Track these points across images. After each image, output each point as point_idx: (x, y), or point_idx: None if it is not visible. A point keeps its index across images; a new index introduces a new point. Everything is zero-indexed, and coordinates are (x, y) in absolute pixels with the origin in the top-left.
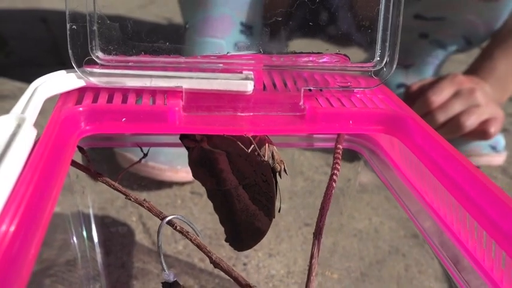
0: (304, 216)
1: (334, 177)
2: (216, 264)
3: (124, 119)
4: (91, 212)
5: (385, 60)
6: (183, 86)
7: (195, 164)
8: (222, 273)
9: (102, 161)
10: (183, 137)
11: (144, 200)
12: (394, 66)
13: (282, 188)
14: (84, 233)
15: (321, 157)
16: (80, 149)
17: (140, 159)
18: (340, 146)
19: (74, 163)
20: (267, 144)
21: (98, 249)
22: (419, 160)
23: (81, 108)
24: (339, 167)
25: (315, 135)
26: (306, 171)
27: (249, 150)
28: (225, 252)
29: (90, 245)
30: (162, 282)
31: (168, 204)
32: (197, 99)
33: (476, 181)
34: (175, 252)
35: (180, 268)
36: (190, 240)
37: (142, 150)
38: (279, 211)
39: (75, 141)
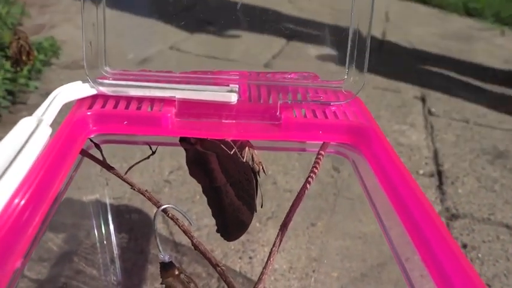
0: (312, 217)
1: (310, 179)
2: (195, 246)
3: (126, 122)
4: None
5: (354, 77)
6: (176, 95)
7: (190, 163)
8: (228, 264)
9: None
10: (181, 140)
11: (146, 190)
12: (363, 83)
13: (295, 189)
14: (110, 220)
15: (332, 161)
16: (96, 145)
17: (149, 156)
18: (323, 153)
19: (92, 157)
20: (247, 148)
21: (120, 235)
22: (373, 171)
23: (89, 113)
24: (316, 171)
25: (308, 142)
26: (319, 174)
27: (232, 152)
28: (233, 246)
29: (112, 232)
30: (159, 262)
31: (187, 198)
32: (188, 107)
33: (418, 201)
34: (188, 242)
35: (192, 257)
36: (178, 225)
37: (151, 148)
38: (261, 206)
39: (84, 138)
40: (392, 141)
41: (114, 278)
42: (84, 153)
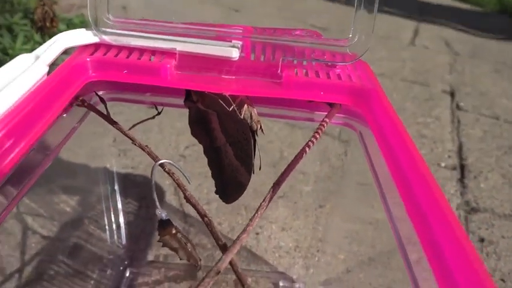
0: (321, 199)
1: (310, 143)
2: (187, 199)
3: (125, 71)
4: (121, 171)
5: (359, 37)
6: (177, 48)
7: (192, 122)
8: (234, 238)
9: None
10: (185, 100)
11: (146, 145)
12: (370, 43)
13: (310, 171)
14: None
15: (344, 145)
16: (101, 99)
17: (154, 116)
18: (327, 120)
19: (98, 112)
20: (246, 105)
21: (131, 203)
22: (374, 135)
23: (88, 58)
24: (317, 136)
25: (316, 112)
26: (332, 158)
27: (230, 109)
28: (241, 220)
29: (121, 199)
30: (158, 220)
31: (200, 173)
32: (189, 60)
33: (418, 171)
34: (196, 215)
35: (199, 228)
36: (173, 179)
37: (156, 109)
38: (259, 169)
39: (82, 82)
40: (414, 133)
41: (122, 241)
42: (90, 107)
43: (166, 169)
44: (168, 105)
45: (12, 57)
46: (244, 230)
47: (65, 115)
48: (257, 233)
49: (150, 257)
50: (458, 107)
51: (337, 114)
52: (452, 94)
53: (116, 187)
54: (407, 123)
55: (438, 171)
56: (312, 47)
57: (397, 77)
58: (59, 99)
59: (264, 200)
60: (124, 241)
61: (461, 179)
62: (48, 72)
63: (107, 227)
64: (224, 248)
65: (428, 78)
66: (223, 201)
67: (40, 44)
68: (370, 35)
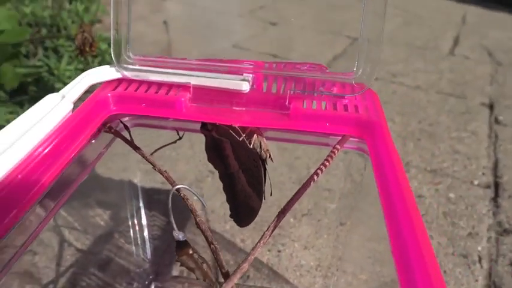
0: (342, 216)
1: (318, 171)
2: (197, 224)
3: (144, 104)
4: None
5: (365, 68)
6: (191, 82)
7: (208, 149)
8: (256, 255)
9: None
10: (201, 127)
11: (165, 171)
12: (374, 75)
13: (335, 188)
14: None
15: (364, 160)
16: (125, 126)
17: (176, 141)
18: (339, 147)
19: (123, 138)
20: (255, 135)
21: (159, 217)
22: (373, 167)
23: (109, 94)
24: (327, 164)
25: (331, 137)
26: (354, 173)
27: (240, 139)
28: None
29: (150, 214)
30: (176, 241)
31: None
32: (202, 93)
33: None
34: (222, 231)
35: (223, 245)
36: (187, 204)
37: (178, 133)
38: (270, 194)
39: (104, 115)
40: (447, 148)
41: (147, 256)
42: (116, 133)
43: (182, 194)
44: (188, 130)
45: (58, 77)
46: (245, 260)
47: (93, 141)
48: (279, 251)
49: (175, 272)
50: (496, 121)
51: (350, 138)
52: (491, 107)
53: (141, 203)
54: (440, 137)
55: (470, 189)
56: (321, 79)
57: (432, 89)
58: (83, 132)
59: (267, 229)
60: (149, 255)
61: (495, 198)
62: (74, 109)
63: (134, 241)
64: (227, 276)
65: (466, 90)
66: (237, 224)
67: (82, 64)
68: (376, 66)
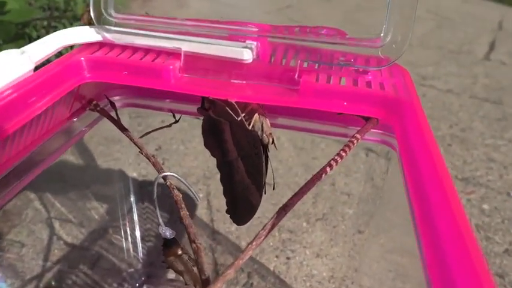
0: (360, 223)
1: (332, 162)
2: (180, 219)
3: (125, 72)
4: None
5: (394, 36)
6: (182, 48)
7: (205, 132)
8: (262, 261)
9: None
10: (199, 107)
11: (153, 155)
12: (406, 45)
13: (355, 192)
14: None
15: (387, 163)
16: (111, 103)
17: (170, 124)
18: (359, 136)
19: (108, 116)
20: (256, 115)
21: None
22: (402, 161)
23: (83, 57)
24: (343, 155)
25: (350, 127)
26: (375, 177)
27: (239, 119)
28: (272, 243)
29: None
30: (163, 238)
31: None
32: (196, 62)
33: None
34: (226, 232)
35: (226, 247)
36: (173, 195)
37: (174, 116)
38: (273, 189)
39: (74, 83)
40: (482, 156)
41: (139, 254)
42: (102, 112)
43: (168, 183)
44: (187, 113)
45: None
46: (231, 265)
47: (75, 119)
48: (288, 258)
49: (171, 274)
50: None
51: (372, 130)
52: None
53: (132, 198)
54: (473, 144)
55: (507, 201)
56: (340, 49)
57: (465, 93)
58: (42, 98)
59: (263, 228)
60: (141, 254)
61: None
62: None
63: (125, 238)
64: (206, 284)
65: (502, 96)
66: (234, 222)
67: None
68: (408, 33)
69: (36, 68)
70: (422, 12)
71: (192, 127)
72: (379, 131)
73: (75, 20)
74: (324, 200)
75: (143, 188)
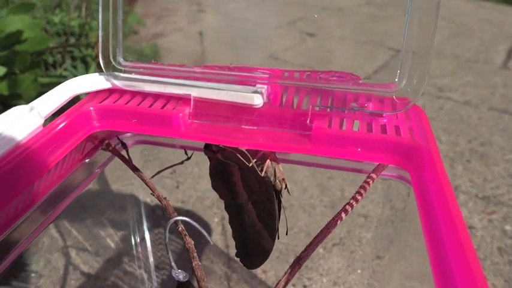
0: (379, 248)
1: (348, 207)
2: (193, 269)
3: (135, 120)
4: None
5: (409, 80)
6: (192, 94)
7: (213, 174)
8: None
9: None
10: (205, 148)
11: (165, 198)
12: (422, 88)
13: (372, 215)
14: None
15: (408, 186)
16: (123, 144)
17: (182, 161)
18: (375, 176)
19: (120, 156)
20: (268, 161)
21: (173, 242)
22: (418, 203)
23: (92, 107)
24: (359, 198)
25: (364, 162)
26: (394, 200)
27: (250, 165)
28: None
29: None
30: (177, 281)
31: None
32: (206, 108)
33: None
34: None
35: (241, 275)
36: (185, 242)
37: (186, 153)
38: (286, 234)
39: (85, 134)
40: (502, 172)
41: (155, 284)
42: (114, 151)
43: (180, 228)
44: (199, 149)
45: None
46: None
47: (87, 160)
48: (305, 286)
49: None
50: None
51: (390, 165)
52: None
53: (145, 227)
54: (493, 160)
55: None
56: (354, 92)
57: (484, 105)
58: (55, 152)
59: (277, 284)
60: (155, 284)
61: None
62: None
63: (141, 267)
64: None
65: None
66: (245, 266)
67: None
68: (425, 76)
69: (48, 119)
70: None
71: None
72: (395, 166)
73: (89, 46)
74: (341, 224)
75: (156, 215)
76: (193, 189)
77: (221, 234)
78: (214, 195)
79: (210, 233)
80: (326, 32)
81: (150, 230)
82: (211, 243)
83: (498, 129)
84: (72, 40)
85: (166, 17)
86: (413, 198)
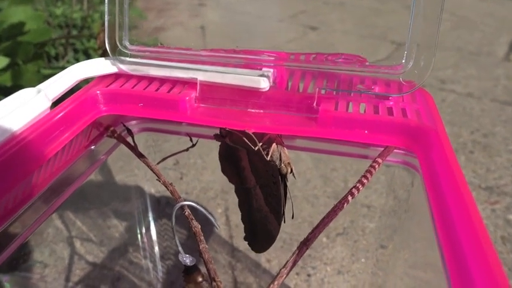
0: (383, 237)
1: (354, 190)
2: (200, 252)
3: (141, 104)
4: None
5: (416, 62)
6: (198, 77)
7: (222, 159)
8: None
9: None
10: (216, 133)
11: (171, 183)
12: (429, 71)
13: (376, 205)
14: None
15: (412, 175)
16: (128, 130)
17: (188, 148)
18: (380, 161)
19: (125, 143)
20: (274, 144)
21: (179, 232)
22: (426, 190)
23: (99, 91)
24: (365, 182)
25: (371, 148)
26: (398, 189)
27: (256, 149)
28: None
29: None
30: (184, 265)
31: None
32: (212, 91)
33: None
34: (245, 248)
35: (246, 264)
36: (191, 226)
37: (191, 140)
38: (292, 217)
39: (92, 117)
40: (505, 163)
41: (158, 274)
42: (120, 138)
43: (186, 212)
44: (204, 136)
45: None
46: None
47: (93, 147)
48: (309, 275)
49: None
50: None
51: (395, 150)
52: None
53: (151, 217)
54: (496, 151)
55: None
56: (360, 75)
57: (486, 97)
58: (61, 135)
59: (285, 265)
60: (160, 274)
61: None
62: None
63: (144, 257)
64: None
65: None
66: (253, 249)
67: None
68: (431, 59)
69: (54, 102)
70: None
71: (209, 142)
72: (401, 152)
73: (92, 37)
74: (344, 214)
75: (161, 205)
76: (197, 180)
77: (225, 224)
78: (218, 186)
79: (217, 228)
80: (328, 25)
81: (155, 220)
82: (218, 228)
83: (501, 121)
84: (74, 32)
85: (167, 10)
86: (417, 188)
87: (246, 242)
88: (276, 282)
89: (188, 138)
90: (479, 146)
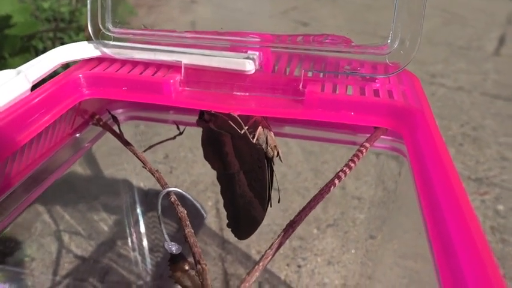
0: (372, 228)
1: (341, 173)
2: (185, 237)
3: (125, 88)
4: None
5: (402, 42)
6: (183, 61)
7: (205, 144)
8: (273, 269)
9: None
10: (198, 118)
11: (157, 170)
12: (415, 51)
13: (366, 196)
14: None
15: (399, 165)
16: (114, 118)
17: (175, 136)
18: (367, 145)
19: (111, 130)
20: (260, 127)
21: (169, 225)
22: (413, 172)
23: (81, 74)
24: (352, 165)
25: (359, 134)
26: (387, 180)
27: (242, 132)
28: (283, 251)
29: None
30: (170, 254)
31: None
32: (197, 75)
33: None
34: (236, 241)
35: (236, 256)
36: (177, 211)
37: (178, 128)
38: (278, 202)
39: (73, 101)
40: (494, 155)
41: (147, 267)
42: (105, 126)
43: (172, 199)
44: (191, 124)
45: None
46: (244, 279)
47: (78, 134)
48: (299, 266)
49: None
50: None
51: (382, 137)
52: None
53: (139, 209)
54: (486, 143)
55: None
56: (346, 57)
57: (476, 90)
58: (40, 119)
59: (270, 246)
60: (149, 266)
61: None
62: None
63: (133, 250)
64: None
65: None
66: (236, 236)
67: None
68: (417, 40)
69: (34, 87)
70: (429, 8)
71: (199, 134)
72: (389, 138)
73: (80, 30)
74: (335, 205)
75: (149, 198)
76: (187, 173)
77: (215, 217)
78: (208, 179)
79: (204, 216)
80: (319, 21)
81: (143, 213)
82: (205, 215)
83: (490, 114)
84: (62, 26)
85: (158, 6)
86: (405, 178)
87: (230, 229)
88: (261, 264)
89: (177, 128)
90: (469, 139)
